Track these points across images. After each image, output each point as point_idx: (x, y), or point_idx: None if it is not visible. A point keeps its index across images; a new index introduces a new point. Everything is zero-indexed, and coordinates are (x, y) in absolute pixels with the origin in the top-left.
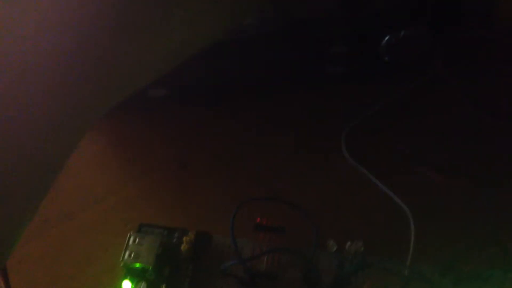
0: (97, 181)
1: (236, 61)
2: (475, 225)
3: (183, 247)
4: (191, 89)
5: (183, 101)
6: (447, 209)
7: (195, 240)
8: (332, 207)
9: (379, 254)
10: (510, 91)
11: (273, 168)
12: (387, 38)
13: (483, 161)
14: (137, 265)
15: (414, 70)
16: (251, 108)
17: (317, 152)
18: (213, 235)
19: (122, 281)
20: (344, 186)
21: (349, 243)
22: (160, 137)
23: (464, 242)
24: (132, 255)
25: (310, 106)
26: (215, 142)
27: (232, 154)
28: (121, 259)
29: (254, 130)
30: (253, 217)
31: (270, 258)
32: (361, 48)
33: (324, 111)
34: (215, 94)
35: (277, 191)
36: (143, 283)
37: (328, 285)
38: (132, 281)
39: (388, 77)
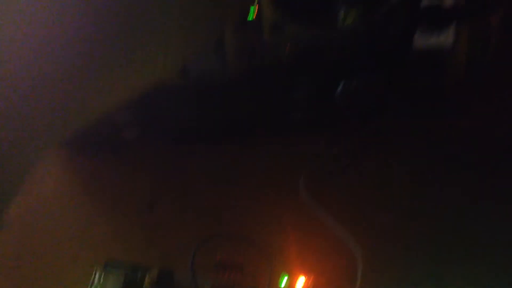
0: (67, 220)
1: (203, 106)
2: (419, 264)
3: (146, 284)
4: (160, 132)
5: (153, 143)
6: (393, 249)
7: (158, 278)
8: (288, 245)
9: None
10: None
11: (235, 208)
12: (340, 86)
13: (429, 199)
14: None
15: (368, 116)
16: (216, 150)
17: (276, 193)
18: (175, 272)
19: None
20: (300, 225)
21: (301, 277)
22: (129, 177)
23: (408, 280)
24: None
25: (271, 150)
26: (182, 183)
27: (197, 195)
28: None
29: (218, 172)
30: (214, 254)
31: None
32: (318, 96)
33: (285, 154)
34: (183, 137)
35: (238, 229)
36: None
37: None
38: None
39: (345, 123)
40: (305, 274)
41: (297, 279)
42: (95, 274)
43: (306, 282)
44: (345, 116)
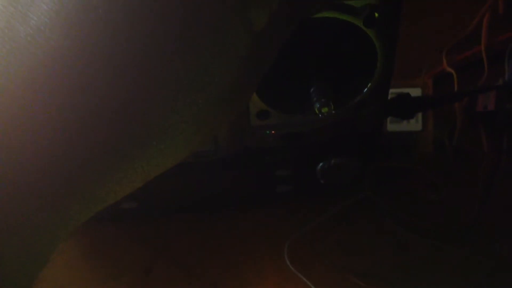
0: (68, 284)
1: (196, 182)
2: None
3: None
4: (159, 204)
5: (151, 214)
6: None
7: None
8: None
9: None
10: (423, 209)
11: (224, 270)
12: (320, 164)
13: (399, 268)
14: None
15: (347, 190)
16: (209, 221)
17: (262, 259)
18: None
19: None
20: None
21: None
22: (128, 245)
23: None
24: None
25: (259, 220)
26: (178, 251)
27: (192, 262)
28: None
29: (209, 239)
30: None
31: None
32: (301, 171)
33: (271, 224)
34: (177, 209)
35: None
36: None
37: None
38: None
39: (325, 196)
40: None
41: None
42: None
43: None
44: (325, 190)
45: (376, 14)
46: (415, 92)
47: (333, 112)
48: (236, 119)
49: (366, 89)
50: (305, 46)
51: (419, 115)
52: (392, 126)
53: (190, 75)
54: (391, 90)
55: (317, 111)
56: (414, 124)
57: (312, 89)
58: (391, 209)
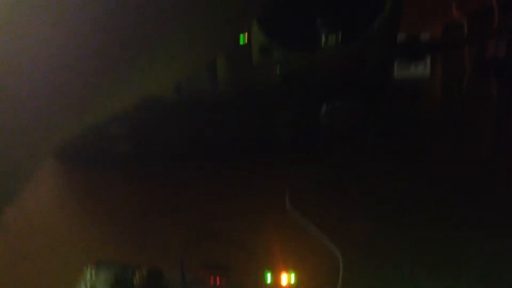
0: (60, 224)
1: (194, 123)
2: (395, 266)
3: (136, 282)
4: (155, 148)
5: (147, 159)
6: (373, 251)
7: (148, 276)
8: (272, 247)
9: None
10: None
11: (223, 214)
12: (324, 108)
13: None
14: None
15: (350, 136)
16: (207, 164)
17: (263, 202)
18: (165, 271)
19: None
20: (284, 231)
21: (283, 274)
22: (123, 187)
23: (385, 280)
24: None
25: (259, 165)
26: (175, 196)
27: (187, 202)
28: None
29: (208, 182)
30: (201, 257)
31: None
32: (304, 116)
33: (272, 169)
34: (174, 152)
35: (225, 233)
36: None
37: None
38: None
39: (327, 141)
40: (289, 271)
41: (281, 275)
42: (87, 272)
43: (289, 278)
44: (329, 135)
45: None
46: (425, 36)
47: (340, 44)
48: (237, 55)
49: (375, 23)
50: None
51: (428, 61)
52: (399, 71)
53: None
54: (400, 35)
55: (323, 43)
56: (422, 70)
57: (319, 20)
58: (395, 156)
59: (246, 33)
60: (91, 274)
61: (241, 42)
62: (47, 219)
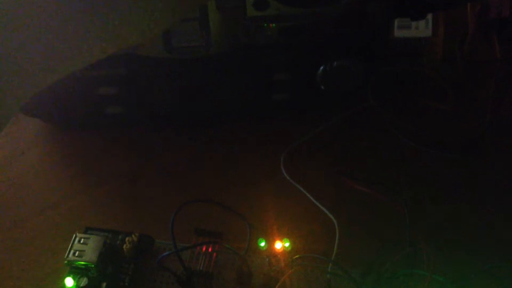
0: (49, 190)
1: (185, 83)
2: (393, 230)
3: (126, 247)
4: (145, 109)
5: (138, 120)
6: (369, 217)
7: (138, 242)
8: (266, 214)
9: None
10: (431, 120)
11: (216, 181)
12: (321, 68)
13: (404, 179)
14: (81, 263)
15: (348, 98)
16: (199, 127)
17: (257, 168)
18: (156, 240)
19: (65, 278)
20: (278, 197)
21: (277, 242)
22: (114, 152)
23: (383, 245)
24: (77, 253)
25: (253, 129)
26: (168, 161)
27: (179, 168)
28: (65, 257)
29: (200, 147)
30: (194, 223)
31: (207, 259)
32: (300, 76)
33: (267, 133)
34: (166, 115)
35: (218, 200)
36: (85, 278)
37: (260, 285)
38: (74, 278)
39: (325, 104)
40: (283, 237)
41: (275, 242)
42: (75, 238)
43: (284, 244)
44: (325, 97)
45: None
46: None
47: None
48: (231, 9)
49: None
50: None
51: (429, 20)
52: (400, 31)
53: None
54: None
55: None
56: (424, 30)
57: None
58: (396, 118)
59: None
60: (79, 241)
61: None
62: (34, 183)
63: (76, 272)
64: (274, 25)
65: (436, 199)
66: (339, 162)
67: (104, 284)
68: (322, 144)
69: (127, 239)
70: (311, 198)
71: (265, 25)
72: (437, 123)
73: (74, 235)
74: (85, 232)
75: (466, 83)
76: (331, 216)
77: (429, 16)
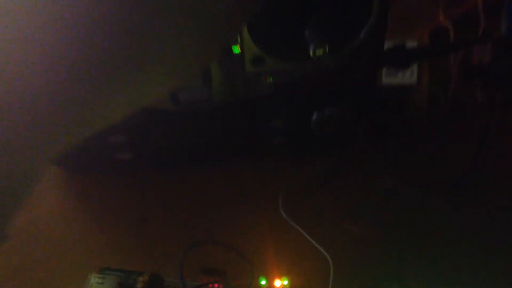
0: (65, 232)
1: (190, 132)
2: (382, 267)
3: (138, 286)
4: (153, 155)
5: (146, 165)
6: (361, 256)
7: (149, 281)
8: (266, 252)
9: None
10: (416, 162)
11: (219, 221)
12: (314, 115)
13: (391, 218)
14: None
15: (341, 142)
16: (204, 171)
17: (257, 209)
18: (165, 278)
19: None
20: (277, 237)
21: (277, 279)
22: (122, 195)
23: (373, 281)
24: None
25: (253, 172)
26: (172, 202)
27: (184, 210)
28: None
29: (207, 192)
30: (199, 261)
31: None
32: (296, 123)
33: (266, 174)
34: (171, 159)
35: (221, 239)
36: None
37: None
38: None
39: (319, 148)
40: (282, 276)
41: (274, 280)
42: (91, 278)
43: (282, 282)
44: (319, 142)
45: None
46: (411, 44)
47: (328, 55)
48: (231, 65)
49: (362, 33)
50: None
51: (414, 68)
52: (387, 79)
53: None
54: (387, 43)
55: (312, 54)
56: (409, 77)
57: (307, 32)
58: (384, 161)
59: (239, 43)
60: (95, 281)
61: (235, 51)
62: (53, 226)
63: None
64: (271, 79)
65: (424, 237)
66: (333, 202)
67: None
68: (317, 185)
69: (139, 278)
70: (308, 236)
71: (262, 79)
72: (423, 165)
73: (90, 276)
74: (100, 273)
75: (450, 127)
76: (326, 254)
77: (414, 65)
